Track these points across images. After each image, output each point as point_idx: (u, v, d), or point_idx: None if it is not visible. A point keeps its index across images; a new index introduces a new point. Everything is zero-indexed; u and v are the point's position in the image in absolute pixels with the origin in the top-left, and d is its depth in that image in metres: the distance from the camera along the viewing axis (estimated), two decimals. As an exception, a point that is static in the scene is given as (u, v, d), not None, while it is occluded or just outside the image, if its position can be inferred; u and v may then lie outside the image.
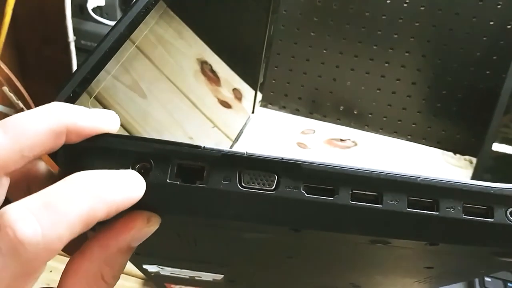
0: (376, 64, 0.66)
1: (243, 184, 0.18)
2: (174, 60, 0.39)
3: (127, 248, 0.19)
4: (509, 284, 0.47)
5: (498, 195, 0.18)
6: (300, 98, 0.70)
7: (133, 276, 0.47)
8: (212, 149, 0.19)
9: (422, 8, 0.61)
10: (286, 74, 0.69)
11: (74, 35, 0.55)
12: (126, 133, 0.33)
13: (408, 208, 0.18)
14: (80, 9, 0.66)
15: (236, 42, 0.51)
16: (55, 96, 0.22)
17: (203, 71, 0.44)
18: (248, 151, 0.19)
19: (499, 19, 0.59)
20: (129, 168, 0.18)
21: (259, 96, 0.62)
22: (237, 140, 0.59)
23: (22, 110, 0.48)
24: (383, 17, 0.63)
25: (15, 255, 0.15)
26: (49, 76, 0.58)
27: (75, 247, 0.20)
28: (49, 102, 0.19)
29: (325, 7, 0.64)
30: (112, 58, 0.24)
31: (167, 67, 0.38)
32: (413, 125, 0.67)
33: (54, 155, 0.19)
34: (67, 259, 0.19)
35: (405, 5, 0.62)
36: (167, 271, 0.34)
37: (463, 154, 0.66)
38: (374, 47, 0.65)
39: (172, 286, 0.41)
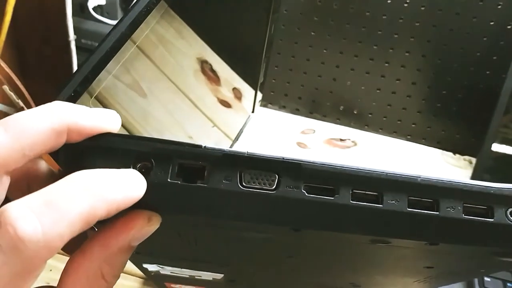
0: (376, 64, 0.66)
1: (243, 184, 0.18)
2: (175, 60, 0.39)
3: (127, 247, 0.19)
4: (508, 284, 0.47)
5: (498, 195, 0.18)
6: (300, 98, 0.70)
7: (133, 275, 0.47)
8: (213, 149, 0.19)
9: (423, 8, 0.61)
10: (286, 74, 0.69)
11: (75, 34, 0.55)
12: (126, 133, 0.33)
13: (409, 208, 0.18)
14: (80, 8, 0.66)
15: (236, 41, 0.51)
16: (56, 95, 0.22)
17: (203, 71, 0.44)
18: (248, 151, 0.19)
19: (499, 19, 0.59)
20: (130, 168, 0.18)
21: (259, 95, 0.62)
22: (237, 140, 0.59)
23: (22, 109, 0.48)
24: (384, 17, 0.63)
25: (16, 252, 0.15)
26: (49, 75, 0.58)
27: (74, 246, 0.20)
28: (49, 101, 0.19)
29: (326, 7, 0.64)
30: (113, 58, 0.24)
31: (168, 66, 0.38)
32: (413, 125, 0.67)
33: (55, 154, 0.19)
34: (67, 258, 0.19)
35: (405, 5, 0.62)
36: (167, 270, 0.34)
37: (462, 154, 0.66)
38: (374, 47, 0.65)
39: (172, 285, 0.41)
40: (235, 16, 0.47)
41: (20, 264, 0.15)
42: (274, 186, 0.18)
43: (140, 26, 0.27)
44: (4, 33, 0.49)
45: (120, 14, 0.69)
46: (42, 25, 0.55)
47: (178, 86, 0.40)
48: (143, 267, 0.34)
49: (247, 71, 0.55)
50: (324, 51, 0.67)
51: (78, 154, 0.19)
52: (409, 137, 0.68)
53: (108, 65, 0.24)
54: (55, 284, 0.19)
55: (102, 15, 0.67)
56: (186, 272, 0.35)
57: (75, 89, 0.23)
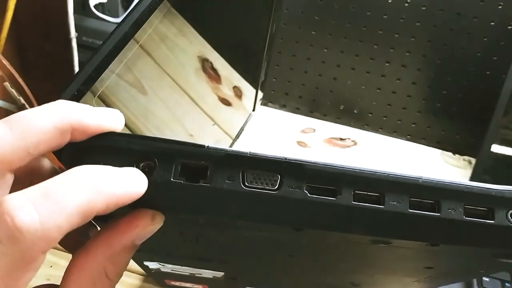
0: (377, 64, 0.66)
1: (246, 184, 0.18)
2: (176, 58, 0.39)
3: (131, 246, 0.19)
4: (507, 284, 0.47)
5: (499, 197, 0.18)
6: (300, 97, 0.71)
7: (133, 272, 0.47)
8: (215, 149, 0.19)
9: (423, 8, 0.61)
10: (287, 73, 0.70)
11: (76, 31, 0.55)
12: (127, 131, 0.34)
13: (410, 209, 0.18)
14: (82, 5, 0.66)
15: (237, 40, 0.51)
16: (60, 94, 0.22)
17: (204, 69, 0.44)
18: (251, 151, 0.19)
19: (500, 19, 0.59)
20: (133, 167, 0.18)
21: (260, 94, 0.62)
22: (238, 138, 0.59)
23: (23, 105, 0.48)
24: (384, 17, 0.63)
25: (13, 242, 0.15)
26: (50, 73, 0.58)
27: (76, 244, 0.20)
28: (50, 98, 0.19)
29: (327, 6, 0.64)
30: (116, 57, 0.24)
31: (169, 64, 0.38)
32: (413, 125, 0.67)
33: (59, 153, 0.19)
34: (68, 255, 0.19)
35: (406, 4, 0.62)
36: (168, 268, 0.35)
37: (462, 154, 0.66)
38: (375, 46, 0.65)
39: (172, 282, 0.41)
40: (236, 15, 0.47)
41: (18, 255, 0.15)
42: (276, 186, 0.18)
43: (143, 26, 0.27)
44: (6, 30, 0.49)
45: (121, 12, 0.69)
46: (43, 22, 0.55)
47: (179, 84, 0.40)
48: (144, 265, 0.34)
49: (248, 69, 0.56)
50: (325, 50, 0.67)
51: (82, 153, 0.19)
52: (409, 136, 0.68)
53: (111, 64, 0.24)
54: (56, 281, 0.19)
55: (103, 12, 0.67)
56: (186, 270, 0.35)
57: (79, 88, 0.23)
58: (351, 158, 0.64)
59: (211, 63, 0.45)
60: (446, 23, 0.61)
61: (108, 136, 0.19)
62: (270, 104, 0.71)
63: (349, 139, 0.67)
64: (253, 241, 0.24)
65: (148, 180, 0.18)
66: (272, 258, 0.29)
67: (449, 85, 0.64)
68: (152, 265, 0.34)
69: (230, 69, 0.49)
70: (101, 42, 0.25)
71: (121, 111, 0.20)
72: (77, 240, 0.21)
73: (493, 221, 0.18)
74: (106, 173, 0.17)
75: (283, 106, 0.72)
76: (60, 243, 0.22)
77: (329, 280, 0.35)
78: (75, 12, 0.54)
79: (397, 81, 0.66)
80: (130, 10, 0.26)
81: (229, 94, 0.52)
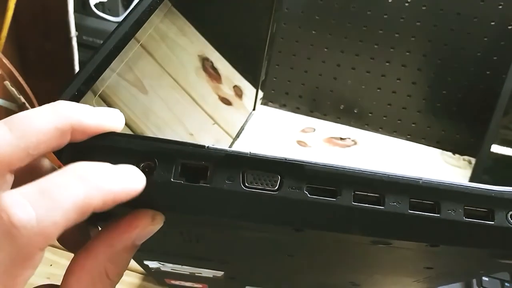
0: (377, 63, 0.66)
1: (246, 184, 0.18)
2: (176, 57, 0.39)
3: (131, 246, 0.19)
4: (506, 284, 0.47)
5: (499, 198, 0.18)
6: (300, 97, 0.71)
7: (133, 271, 0.47)
8: (216, 149, 0.19)
9: (424, 8, 0.61)
10: (287, 72, 0.69)
11: (76, 30, 0.55)
12: (128, 130, 0.34)
13: (410, 210, 0.18)
14: (82, 4, 0.66)
15: (238, 39, 0.51)
16: (60, 94, 0.22)
17: (205, 68, 0.44)
18: (251, 151, 0.19)
19: (500, 19, 0.59)
20: None
21: (260, 93, 0.62)
22: (238, 138, 0.59)
23: (23, 104, 0.48)
24: (385, 16, 0.63)
25: (10, 239, 0.15)
26: (50, 72, 0.58)
27: (77, 244, 0.20)
28: (51, 97, 0.19)
29: (327, 5, 0.64)
30: (117, 57, 0.24)
31: (169, 64, 0.38)
32: (413, 125, 0.67)
33: (59, 153, 0.19)
34: (67, 253, 0.19)
35: (406, 4, 0.62)
36: (167, 267, 0.35)
37: (462, 154, 0.66)
38: (375, 46, 0.65)
39: (172, 281, 0.41)
40: (237, 14, 0.47)
41: (16, 251, 0.15)
42: (276, 187, 0.19)
43: (144, 25, 0.27)
44: (6, 29, 0.49)
45: (121, 11, 0.69)
46: (43, 21, 0.54)
47: (179, 83, 0.40)
48: (144, 264, 0.34)
49: (248, 69, 0.56)
50: (325, 50, 0.67)
51: (82, 153, 0.19)
52: (409, 136, 0.68)
53: (112, 64, 0.24)
54: (56, 279, 0.19)
55: (103, 12, 0.67)
56: (186, 269, 0.35)
57: (79, 87, 0.23)
58: (351, 157, 0.64)
59: (211, 62, 0.45)
60: (446, 23, 0.61)
61: (108, 136, 0.19)
62: (270, 103, 0.71)
63: (349, 138, 0.67)
64: (253, 242, 0.24)
65: (148, 180, 0.18)
66: (272, 258, 0.29)
67: (449, 85, 0.64)
68: (152, 264, 0.34)
69: (231, 68, 0.49)
70: (101, 41, 0.25)
71: (121, 111, 0.20)
72: (78, 240, 0.21)
73: (493, 222, 0.18)
74: (102, 170, 0.17)
75: (283, 106, 0.72)
76: (61, 243, 0.22)
77: (329, 280, 0.35)
78: (75, 11, 0.54)
79: (397, 81, 0.66)
80: (131, 10, 0.26)
81: (229, 93, 0.52)
